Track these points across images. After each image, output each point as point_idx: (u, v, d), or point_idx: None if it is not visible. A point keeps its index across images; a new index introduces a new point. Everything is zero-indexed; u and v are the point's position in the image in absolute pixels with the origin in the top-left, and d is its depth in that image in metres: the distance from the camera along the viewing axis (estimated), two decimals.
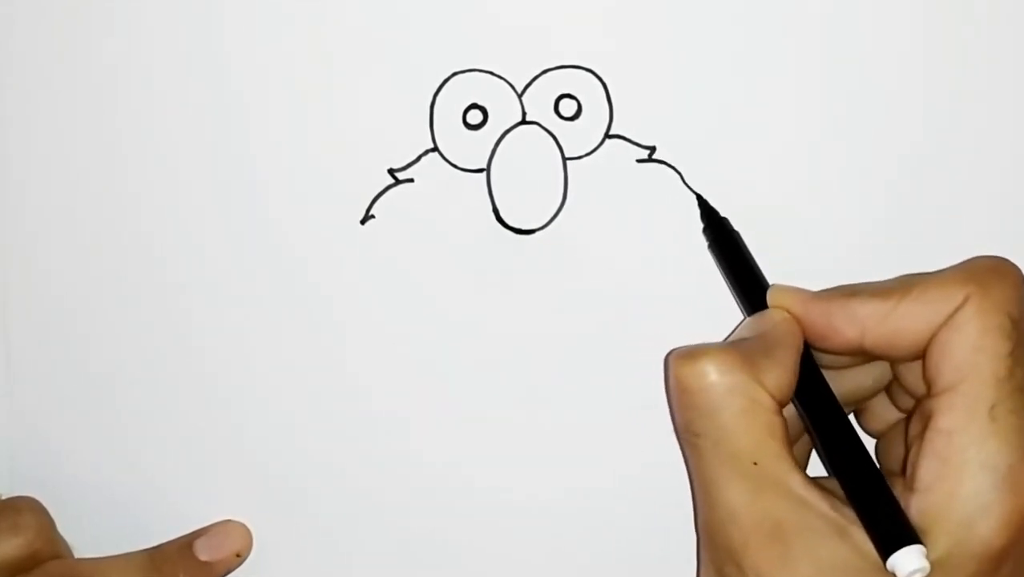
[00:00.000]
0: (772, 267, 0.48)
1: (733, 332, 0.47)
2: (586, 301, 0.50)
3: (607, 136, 0.50)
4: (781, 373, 0.42)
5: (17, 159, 0.50)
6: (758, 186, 0.50)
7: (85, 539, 0.50)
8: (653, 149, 0.50)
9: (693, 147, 0.50)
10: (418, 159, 0.50)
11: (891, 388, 0.47)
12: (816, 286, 0.48)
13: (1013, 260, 0.43)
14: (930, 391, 0.42)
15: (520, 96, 0.50)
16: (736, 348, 0.43)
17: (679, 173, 0.50)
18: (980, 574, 0.40)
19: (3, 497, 0.49)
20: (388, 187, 0.50)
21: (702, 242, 0.50)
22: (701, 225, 0.49)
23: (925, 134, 0.50)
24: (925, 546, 0.40)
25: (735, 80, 0.50)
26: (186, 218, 0.50)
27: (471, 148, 0.50)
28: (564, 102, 0.50)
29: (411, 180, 0.50)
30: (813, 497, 0.41)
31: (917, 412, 0.43)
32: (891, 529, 0.41)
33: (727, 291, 0.50)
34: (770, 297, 0.45)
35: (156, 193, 0.50)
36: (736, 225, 0.49)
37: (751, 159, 0.50)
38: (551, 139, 0.50)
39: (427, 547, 0.51)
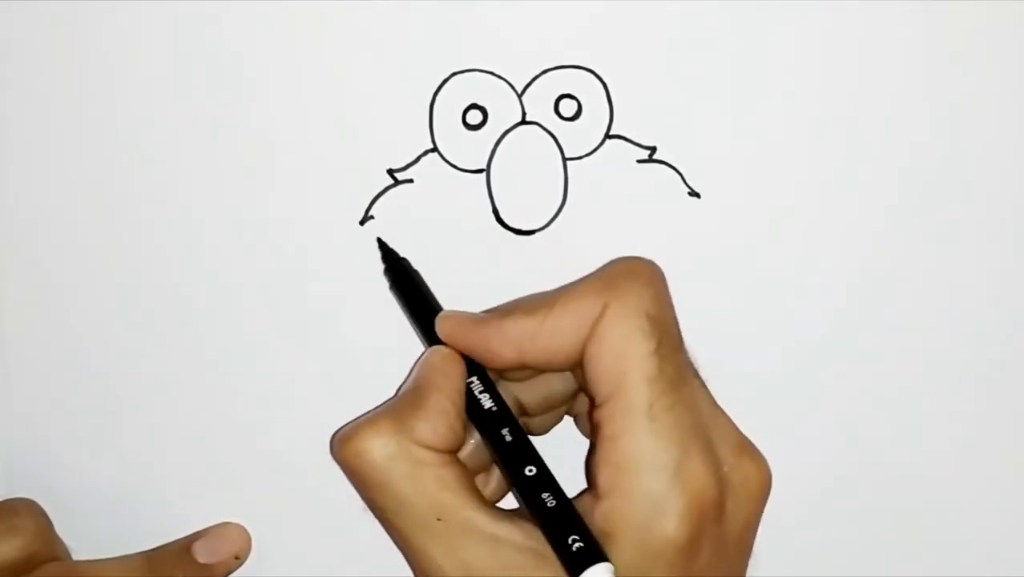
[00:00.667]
0: (773, 268, 0.49)
1: None
2: None
3: (607, 136, 0.50)
4: (438, 421, 0.43)
5: (15, 159, 0.50)
6: (758, 187, 0.50)
7: (83, 542, 0.49)
8: (653, 149, 0.50)
9: (694, 148, 0.50)
10: (418, 159, 0.50)
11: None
12: (817, 286, 0.49)
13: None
14: (594, 402, 0.43)
15: (520, 96, 0.50)
16: (387, 414, 0.43)
17: (680, 174, 0.50)
18: (672, 571, 0.41)
19: (1, 499, 0.49)
20: (387, 188, 0.50)
21: (703, 243, 0.50)
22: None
23: (927, 135, 0.50)
24: (612, 554, 0.41)
25: (736, 80, 0.50)
26: (186, 218, 0.50)
27: (471, 148, 0.50)
28: (564, 102, 0.50)
29: (410, 181, 0.50)
30: (504, 531, 0.42)
31: (592, 423, 0.44)
32: (575, 552, 0.41)
33: (728, 293, 0.50)
34: (437, 326, 0.46)
35: (156, 194, 0.50)
36: (737, 226, 0.49)
37: (752, 160, 0.50)
38: (551, 139, 0.50)
39: None
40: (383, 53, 0.50)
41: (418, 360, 0.46)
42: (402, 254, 0.50)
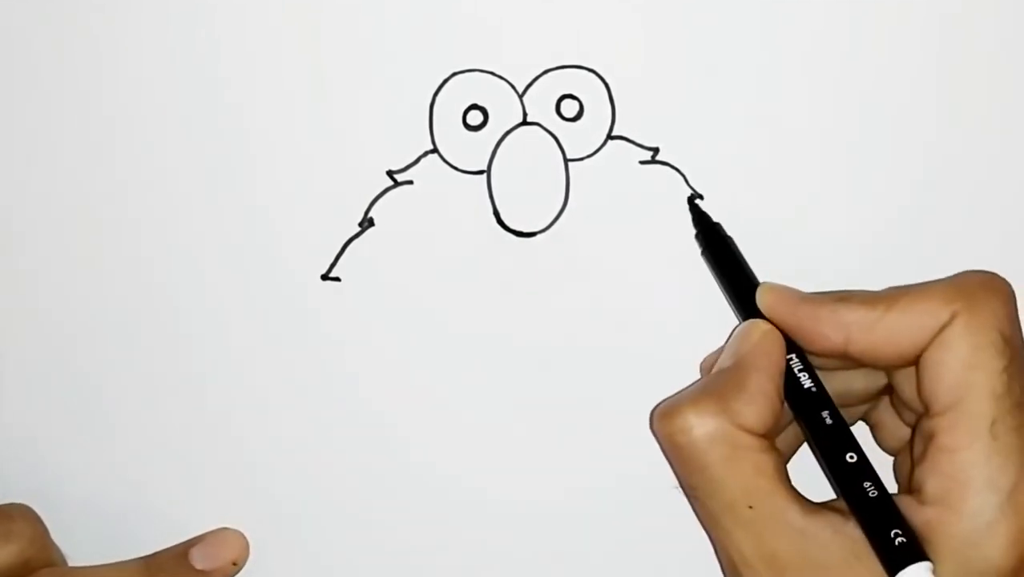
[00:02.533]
0: (776, 269, 0.48)
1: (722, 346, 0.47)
2: (588, 304, 0.50)
3: (609, 137, 0.50)
4: (760, 404, 0.43)
5: (1, 159, 0.50)
6: (763, 188, 0.50)
7: (80, 549, 0.49)
8: (656, 150, 0.50)
9: (697, 148, 0.50)
10: (417, 160, 0.50)
11: (896, 404, 0.46)
12: (820, 289, 0.48)
13: None
14: (929, 411, 0.42)
15: (521, 97, 0.50)
16: (710, 392, 0.43)
17: (683, 175, 0.50)
18: None
19: None
20: (387, 189, 0.50)
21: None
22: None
23: (934, 138, 0.50)
24: (933, 563, 0.40)
25: (739, 80, 0.49)
26: (182, 221, 0.50)
27: (471, 149, 0.50)
28: (566, 103, 0.50)
29: (410, 182, 0.50)
30: (815, 527, 0.41)
31: (918, 431, 0.43)
32: (897, 546, 0.40)
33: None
34: (759, 297, 0.45)
35: (149, 196, 0.50)
36: (739, 227, 0.49)
37: (756, 161, 0.50)
38: (552, 140, 0.50)
39: (425, 554, 0.50)
40: (382, 53, 0.49)
41: (733, 331, 0.46)
42: (401, 257, 0.49)
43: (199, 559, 0.48)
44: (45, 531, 0.48)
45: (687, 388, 0.45)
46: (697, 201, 0.49)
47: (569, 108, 0.49)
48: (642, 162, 0.50)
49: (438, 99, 0.49)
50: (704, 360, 0.48)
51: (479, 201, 0.50)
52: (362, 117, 0.49)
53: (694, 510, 0.44)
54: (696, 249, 0.49)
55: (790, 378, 0.44)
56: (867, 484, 0.42)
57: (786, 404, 0.44)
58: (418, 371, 0.50)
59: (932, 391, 0.42)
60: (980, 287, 0.42)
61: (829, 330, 0.43)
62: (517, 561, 0.50)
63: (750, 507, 0.42)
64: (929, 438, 0.42)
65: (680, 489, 0.44)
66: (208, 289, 0.50)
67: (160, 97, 0.50)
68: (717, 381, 0.43)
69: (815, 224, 0.50)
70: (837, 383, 0.46)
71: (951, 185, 0.50)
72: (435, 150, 0.50)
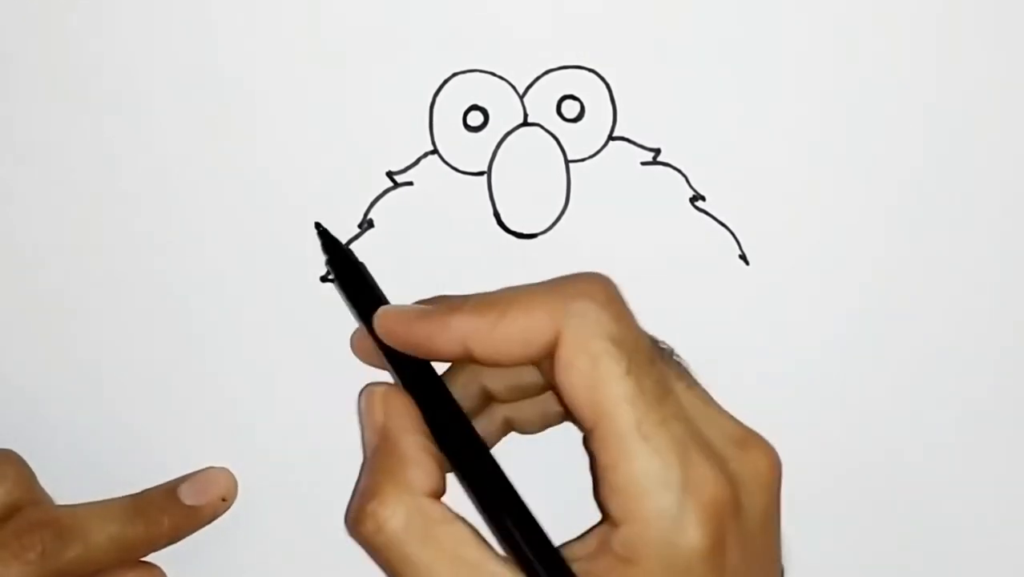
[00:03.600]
0: (778, 271, 0.48)
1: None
2: None
3: (611, 138, 0.50)
4: (427, 463, 0.42)
5: (4, 154, 0.50)
6: (765, 189, 0.49)
7: (68, 495, 0.48)
8: (658, 151, 0.49)
9: (699, 149, 0.49)
10: (417, 162, 0.49)
11: None
12: (824, 289, 0.49)
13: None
14: (583, 432, 0.42)
15: (522, 97, 0.49)
16: (378, 475, 0.42)
17: (685, 176, 0.50)
18: None
19: None
20: (386, 190, 0.50)
21: (708, 247, 0.49)
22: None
23: (938, 139, 0.50)
24: None
25: (742, 81, 0.49)
26: (181, 222, 0.50)
27: (472, 150, 0.49)
28: (567, 103, 0.49)
29: (410, 183, 0.50)
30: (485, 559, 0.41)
31: (587, 451, 0.43)
32: None
33: (734, 297, 0.49)
34: (376, 325, 0.45)
35: (151, 197, 0.50)
36: (742, 229, 0.49)
37: (758, 161, 0.49)
38: (553, 141, 0.49)
39: None
40: (382, 53, 0.49)
41: (360, 408, 0.45)
42: (401, 259, 0.49)
43: (188, 495, 0.48)
44: (31, 474, 0.48)
45: (357, 484, 0.44)
46: (321, 223, 0.48)
47: (570, 109, 0.49)
48: (644, 163, 0.50)
49: (438, 99, 0.49)
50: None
51: (479, 202, 0.49)
52: (361, 117, 0.49)
53: None
54: (700, 251, 0.49)
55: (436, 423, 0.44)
56: (528, 538, 0.42)
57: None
58: None
59: (575, 413, 0.42)
60: (577, 298, 0.42)
61: (445, 344, 0.43)
62: None
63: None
64: (593, 458, 0.42)
65: None
66: (206, 290, 0.50)
67: (160, 97, 0.50)
68: (378, 462, 0.43)
69: (817, 225, 0.49)
70: (506, 376, 0.46)
71: (955, 186, 0.50)
72: (435, 151, 0.49)
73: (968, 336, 0.50)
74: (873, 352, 0.50)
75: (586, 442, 0.42)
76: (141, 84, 0.50)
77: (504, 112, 0.49)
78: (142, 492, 0.48)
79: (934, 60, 0.49)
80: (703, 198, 0.49)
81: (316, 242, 0.49)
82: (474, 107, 0.49)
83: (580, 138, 0.49)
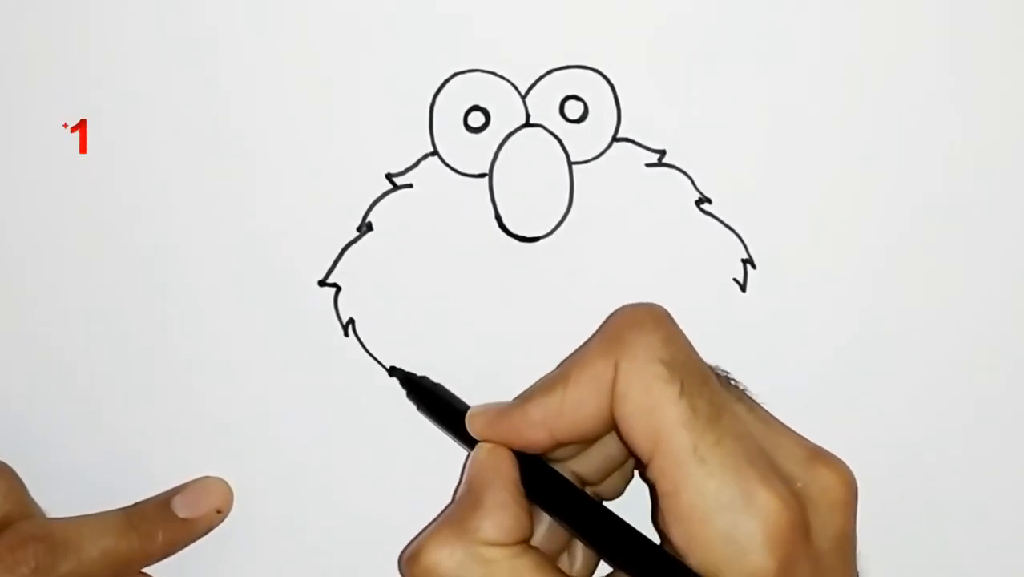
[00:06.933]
0: (782, 273, 0.48)
1: None
2: (592, 311, 0.48)
3: (614, 139, 0.49)
4: (499, 515, 0.43)
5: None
6: (771, 191, 0.49)
7: (60, 508, 0.48)
8: (663, 153, 0.49)
9: (704, 151, 0.49)
10: (417, 163, 0.49)
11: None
12: (829, 293, 0.49)
13: None
14: (641, 464, 0.42)
15: (524, 98, 0.49)
16: (447, 523, 0.43)
17: (690, 178, 0.49)
18: None
19: None
20: (386, 193, 0.49)
21: (712, 250, 0.49)
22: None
23: (945, 140, 0.49)
24: None
25: (747, 81, 0.49)
26: (179, 225, 0.49)
27: (472, 152, 0.49)
28: (570, 104, 0.49)
29: (410, 185, 0.49)
30: None
31: (648, 484, 0.43)
32: None
33: (738, 300, 0.49)
34: (469, 428, 0.45)
35: (149, 200, 0.49)
36: (747, 231, 0.49)
37: (763, 163, 0.49)
38: (556, 142, 0.49)
39: None
40: (381, 52, 0.49)
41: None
42: (400, 262, 0.49)
43: (182, 507, 0.48)
44: (23, 487, 0.48)
45: (426, 527, 0.45)
46: (397, 367, 0.49)
47: (573, 109, 0.49)
48: (648, 165, 0.49)
49: (438, 100, 0.49)
50: None
51: (480, 205, 0.49)
52: (360, 118, 0.49)
53: None
54: (703, 254, 0.49)
55: (533, 485, 0.44)
56: (640, 556, 0.42)
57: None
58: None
59: (633, 445, 0.42)
60: (626, 327, 0.42)
61: (530, 433, 0.43)
62: None
63: None
64: (653, 489, 0.42)
65: None
66: (204, 293, 0.49)
67: (158, 99, 0.49)
68: (452, 510, 0.44)
69: (824, 228, 0.49)
70: (593, 458, 0.46)
71: (963, 188, 0.49)
72: (435, 152, 0.49)
73: (978, 338, 0.50)
74: (881, 355, 0.50)
75: (644, 473, 0.42)
76: (137, 85, 0.49)
77: (506, 113, 0.49)
78: (135, 505, 0.48)
79: (946, 62, 0.49)
80: (709, 200, 0.49)
81: (315, 245, 0.49)
82: (475, 107, 0.49)
83: (583, 139, 0.49)
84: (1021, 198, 0.49)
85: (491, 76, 0.49)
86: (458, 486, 0.46)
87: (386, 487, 0.49)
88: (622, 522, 0.43)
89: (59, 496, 0.48)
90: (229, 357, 0.49)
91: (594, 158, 0.49)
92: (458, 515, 0.43)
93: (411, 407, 0.49)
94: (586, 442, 0.45)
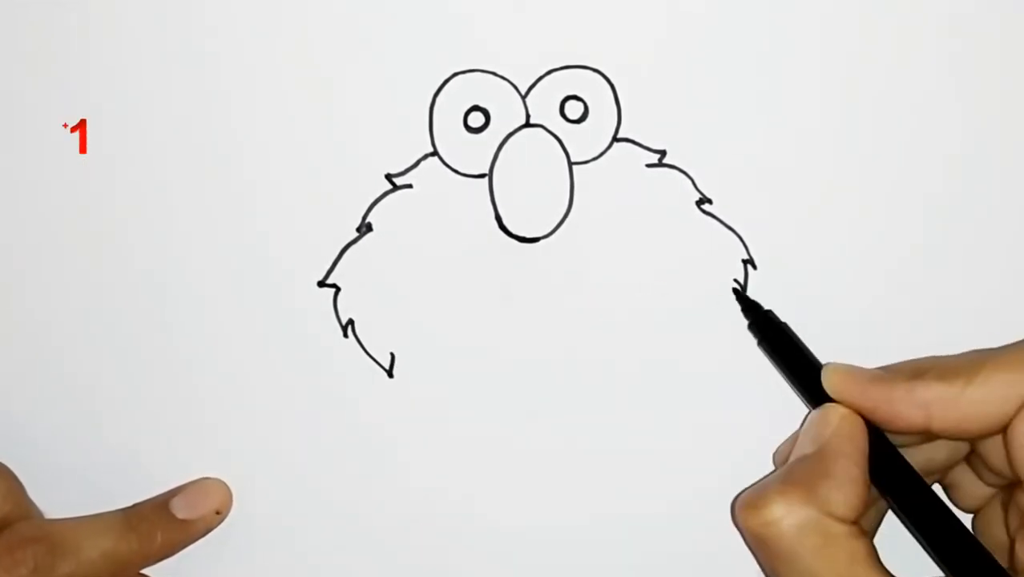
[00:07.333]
0: (784, 276, 0.48)
1: (799, 430, 0.45)
2: (593, 312, 0.49)
3: (615, 140, 0.49)
4: (848, 490, 0.41)
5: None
6: (772, 191, 0.49)
7: (57, 510, 0.48)
8: (663, 153, 0.49)
9: (705, 151, 0.49)
10: (417, 164, 0.49)
11: (974, 464, 0.45)
12: (827, 293, 0.49)
13: None
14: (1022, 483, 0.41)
15: (524, 98, 0.49)
16: (796, 481, 0.42)
17: (691, 178, 0.49)
18: None
19: None
20: (385, 193, 0.49)
21: (712, 250, 0.49)
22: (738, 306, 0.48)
23: (947, 140, 0.49)
24: None
25: (748, 81, 0.49)
26: (178, 225, 0.49)
27: (472, 152, 0.49)
28: (570, 104, 0.49)
29: (409, 186, 0.49)
30: None
31: (1013, 504, 0.42)
32: None
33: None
34: (825, 381, 0.44)
35: (148, 200, 0.49)
36: (748, 231, 0.49)
37: (764, 163, 0.49)
38: (556, 143, 0.49)
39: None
40: (381, 52, 0.49)
41: (807, 417, 0.45)
42: (400, 263, 0.49)
43: (181, 508, 0.48)
44: (21, 488, 0.48)
45: (768, 477, 0.44)
46: (741, 290, 0.48)
47: (573, 109, 0.49)
48: (649, 165, 0.49)
49: (438, 100, 0.49)
50: (778, 451, 0.47)
51: (480, 205, 0.49)
52: (360, 119, 0.49)
53: None
54: (704, 255, 0.49)
55: (875, 460, 0.43)
56: (973, 552, 0.41)
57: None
58: (416, 381, 0.49)
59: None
60: None
61: (907, 411, 0.42)
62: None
63: None
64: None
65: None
66: (203, 293, 0.49)
67: (158, 99, 0.49)
68: (802, 469, 0.42)
69: (824, 228, 0.49)
70: (919, 456, 0.44)
71: (964, 189, 0.49)
72: (435, 153, 0.49)
73: (978, 339, 0.48)
74: (881, 355, 0.48)
75: (1014, 493, 0.42)
76: (136, 85, 0.49)
77: (506, 113, 0.49)
78: (134, 506, 0.48)
79: (946, 62, 0.49)
80: (710, 201, 0.49)
81: (314, 246, 0.49)
82: (475, 108, 0.49)
83: (584, 139, 0.49)
84: (1022, 198, 0.49)
85: (491, 76, 0.49)
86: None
87: (385, 488, 0.49)
88: (967, 531, 0.41)
89: (58, 497, 0.48)
90: (228, 358, 0.49)
91: (594, 158, 0.49)
92: (808, 479, 0.41)
93: (411, 408, 0.49)
94: (958, 440, 0.43)
